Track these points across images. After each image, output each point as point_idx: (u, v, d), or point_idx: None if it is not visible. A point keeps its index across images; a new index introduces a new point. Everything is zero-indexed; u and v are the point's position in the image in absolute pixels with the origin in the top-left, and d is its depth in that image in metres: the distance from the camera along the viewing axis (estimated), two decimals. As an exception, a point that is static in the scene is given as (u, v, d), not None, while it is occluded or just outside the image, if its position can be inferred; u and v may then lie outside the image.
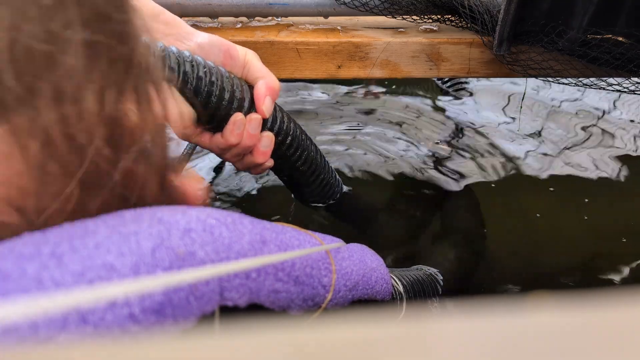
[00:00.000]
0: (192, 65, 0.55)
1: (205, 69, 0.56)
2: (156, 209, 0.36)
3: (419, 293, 0.71)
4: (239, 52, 0.62)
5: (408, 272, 0.76)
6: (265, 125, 0.63)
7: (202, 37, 0.61)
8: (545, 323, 0.13)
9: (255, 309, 0.40)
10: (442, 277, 0.81)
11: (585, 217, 0.98)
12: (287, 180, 0.77)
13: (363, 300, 0.55)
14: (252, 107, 0.61)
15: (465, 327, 0.13)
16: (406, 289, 0.68)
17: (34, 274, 0.28)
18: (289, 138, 0.67)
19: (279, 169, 0.72)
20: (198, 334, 0.14)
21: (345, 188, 0.87)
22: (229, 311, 0.37)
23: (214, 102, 0.57)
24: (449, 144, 1.16)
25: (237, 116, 0.60)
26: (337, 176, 0.84)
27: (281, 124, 0.66)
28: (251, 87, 0.62)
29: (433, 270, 0.82)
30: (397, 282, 0.67)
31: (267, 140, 0.64)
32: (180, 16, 0.82)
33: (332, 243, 0.53)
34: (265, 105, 0.61)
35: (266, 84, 0.61)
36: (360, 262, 0.55)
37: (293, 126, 0.68)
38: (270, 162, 0.67)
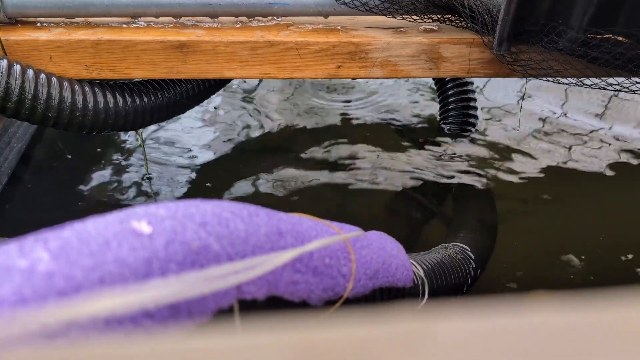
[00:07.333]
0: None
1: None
2: (169, 204, 0.36)
3: (443, 276, 0.70)
4: None
5: (430, 255, 0.74)
6: None
7: None
8: (545, 323, 0.13)
9: (274, 302, 0.39)
10: (473, 256, 0.78)
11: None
12: None
13: (385, 288, 0.54)
14: None
15: (465, 326, 0.13)
16: (427, 273, 0.67)
17: (44, 271, 0.28)
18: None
19: None
20: (201, 334, 0.14)
21: None
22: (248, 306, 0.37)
23: None
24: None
25: None
26: None
27: None
28: None
29: (462, 247, 0.79)
30: (417, 268, 0.66)
31: None
32: (180, 16, 0.82)
33: (351, 232, 0.52)
34: None
35: None
36: (380, 249, 0.54)
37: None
38: None
